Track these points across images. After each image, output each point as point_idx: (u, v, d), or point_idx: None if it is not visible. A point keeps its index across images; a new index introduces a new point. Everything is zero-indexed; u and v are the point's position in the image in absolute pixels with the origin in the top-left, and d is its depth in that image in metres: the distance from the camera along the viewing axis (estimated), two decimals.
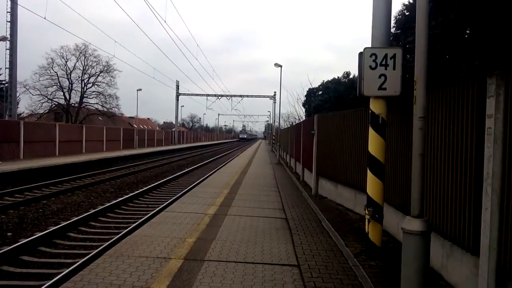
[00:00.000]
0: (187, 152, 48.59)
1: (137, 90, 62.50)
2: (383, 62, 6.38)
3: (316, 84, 46.00)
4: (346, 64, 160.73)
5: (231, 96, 64.48)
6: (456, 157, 5.17)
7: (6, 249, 7.66)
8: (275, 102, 59.48)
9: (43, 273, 6.91)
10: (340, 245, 7.21)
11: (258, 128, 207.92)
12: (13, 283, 6.48)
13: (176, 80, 62.05)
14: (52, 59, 57.62)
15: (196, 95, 64.19)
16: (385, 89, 6.39)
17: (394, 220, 7.68)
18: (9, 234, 9.26)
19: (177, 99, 64.18)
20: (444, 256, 5.64)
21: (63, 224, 9.82)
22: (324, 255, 6.58)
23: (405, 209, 6.60)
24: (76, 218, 10.45)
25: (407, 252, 4.08)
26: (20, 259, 7.53)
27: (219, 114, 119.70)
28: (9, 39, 27.93)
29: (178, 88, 63.54)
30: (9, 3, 27.65)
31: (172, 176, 20.97)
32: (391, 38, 7.85)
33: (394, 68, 6.36)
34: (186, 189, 15.69)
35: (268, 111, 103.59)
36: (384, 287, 5.26)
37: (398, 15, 16.22)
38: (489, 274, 4.21)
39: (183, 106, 59.44)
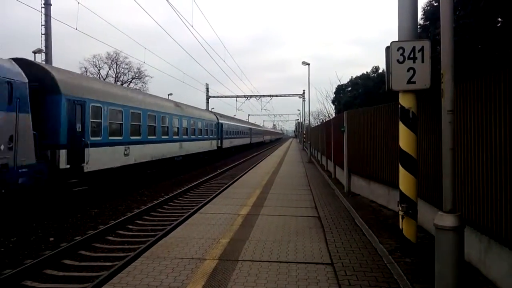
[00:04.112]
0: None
1: (168, 95, 63.45)
2: (411, 56, 6.29)
3: (344, 80, 45.59)
4: (375, 58, 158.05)
5: (260, 96, 64.41)
6: (491, 149, 5.03)
7: (49, 253, 7.99)
8: (304, 100, 59.07)
9: (83, 276, 7.18)
10: (374, 242, 7.14)
11: (289, 127, 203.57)
12: (56, 286, 6.77)
13: (206, 83, 62.49)
14: (85, 68, 59.47)
15: (226, 96, 64.50)
16: (414, 82, 6.29)
17: (429, 215, 7.53)
18: (51, 239, 9.63)
19: (207, 102, 64.78)
20: (482, 251, 5.51)
21: (102, 228, 10.14)
22: (358, 252, 6.53)
23: (440, 204, 6.48)
24: (114, 222, 10.77)
25: (440, 248, 4.02)
26: (62, 263, 7.85)
27: (249, 115, 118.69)
28: (44, 51, 28.91)
29: (208, 91, 64.12)
30: (43, 16, 28.63)
31: (205, 178, 21.23)
32: (419, 30, 7.71)
33: (422, 61, 6.25)
34: (219, 190, 15.86)
35: (298, 110, 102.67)
36: (420, 284, 5.19)
37: (426, 6, 15.88)
38: None
39: (213, 108, 59.87)
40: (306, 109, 59.61)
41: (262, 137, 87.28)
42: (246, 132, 59.12)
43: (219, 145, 36.96)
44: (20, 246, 8.96)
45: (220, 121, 37.90)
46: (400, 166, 6.58)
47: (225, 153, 40.49)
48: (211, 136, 33.57)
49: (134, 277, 5.42)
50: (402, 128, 6.51)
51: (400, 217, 6.49)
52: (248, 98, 63.79)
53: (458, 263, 3.93)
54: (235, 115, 67.26)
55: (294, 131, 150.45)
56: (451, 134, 4.08)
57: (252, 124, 76.39)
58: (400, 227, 6.52)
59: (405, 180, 6.47)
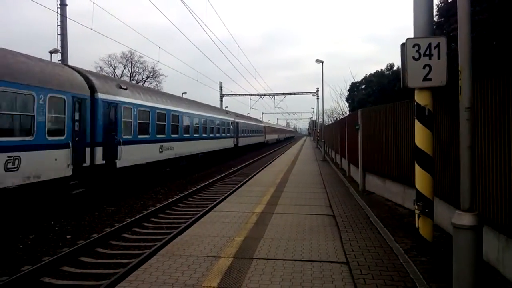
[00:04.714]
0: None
1: (182, 94, 63.82)
2: (427, 52, 6.22)
3: (359, 78, 45.21)
4: (389, 56, 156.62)
5: (274, 94, 64.40)
6: (509, 146, 4.96)
7: (67, 250, 8.12)
8: (318, 98, 58.95)
9: (100, 273, 7.28)
10: (389, 241, 7.09)
11: (302, 125, 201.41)
12: (74, 283, 6.87)
13: (220, 82, 62.64)
14: (100, 67, 60.16)
15: (239, 95, 64.68)
16: (430, 79, 6.22)
17: (445, 214, 7.46)
18: (68, 236, 9.77)
19: (221, 100, 65.02)
20: (500, 251, 5.43)
21: (118, 225, 10.26)
22: (374, 251, 6.50)
23: (457, 203, 6.42)
24: (130, 220, 10.88)
25: (458, 248, 3.97)
26: (79, 260, 7.96)
27: (262, 113, 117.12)
28: (60, 51, 29.28)
29: (221, 89, 64.34)
30: (59, 17, 29.01)
31: (220, 176, 21.31)
32: (434, 27, 7.63)
33: (439, 58, 6.17)
34: (233, 189, 15.91)
35: (312, 108, 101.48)
36: (437, 283, 5.14)
37: (441, 2, 15.69)
38: None
39: (227, 106, 59.09)
40: (320, 107, 59.37)
41: (262, 136, 60.92)
42: (221, 129, 32.24)
43: (94, 160, 13.43)
44: (38, 243, 9.12)
45: (109, 98, 14.57)
46: (416, 164, 6.51)
47: (124, 184, 15.82)
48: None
49: (150, 274, 5.47)
50: (418, 125, 6.45)
51: (416, 215, 6.43)
52: (262, 96, 63.85)
53: (476, 263, 3.87)
54: (248, 113, 65.00)
55: (308, 129, 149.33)
56: (469, 132, 4.02)
57: (238, 115, 43.40)
58: (416, 226, 6.45)
59: (421, 178, 6.40)
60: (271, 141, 76.11)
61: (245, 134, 44.62)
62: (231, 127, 36.50)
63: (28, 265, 7.51)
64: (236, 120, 39.81)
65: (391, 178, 11.10)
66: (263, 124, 65.83)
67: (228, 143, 34.90)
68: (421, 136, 6.41)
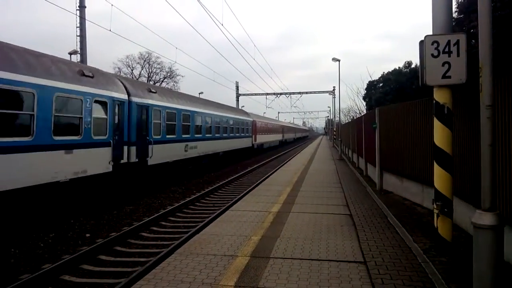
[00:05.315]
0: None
1: (199, 94, 64.12)
2: (446, 50, 6.13)
3: (376, 76, 44.77)
4: (407, 53, 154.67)
5: (290, 93, 64.12)
6: None
7: (86, 249, 8.24)
8: (334, 97, 58.53)
9: (119, 271, 7.37)
10: (408, 240, 7.01)
11: (319, 124, 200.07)
12: (92, 280, 6.97)
13: (236, 81, 62.67)
14: (119, 68, 60.83)
15: (255, 94, 64.58)
16: (449, 77, 6.13)
17: (465, 214, 7.34)
18: (87, 235, 9.92)
19: (237, 100, 65.13)
20: None
21: (136, 224, 10.37)
22: (391, 251, 6.43)
23: (476, 202, 6.30)
24: (148, 219, 10.98)
25: (478, 248, 3.90)
26: (98, 259, 8.07)
27: (278, 112, 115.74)
28: (79, 52, 29.72)
29: (237, 89, 64.43)
30: (78, 18, 29.44)
31: (236, 176, 21.36)
32: (453, 24, 7.51)
33: (458, 55, 6.08)
34: (250, 188, 15.93)
35: (328, 107, 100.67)
36: (456, 284, 5.06)
37: None
38: None
39: (243, 106, 58.38)
40: (337, 106, 58.90)
41: (247, 138, 37.09)
42: (42, 120, 9.94)
43: None
44: (58, 241, 9.27)
45: None
46: (435, 163, 6.42)
47: None
48: None
49: (168, 273, 5.52)
50: (436, 124, 6.36)
51: (435, 215, 6.34)
52: (278, 95, 63.66)
53: (496, 263, 3.80)
54: (264, 113, 64.28)
55: (324, 128, 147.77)
56: (490, 130, 3.94)
57: (164, 90, 21.83)
58: (435, 226, 6.37)
59: (440, 177, 6.31)
60: (267, 144, 49.55)
61: (182, 137, 20.18)
62: (105, 115, 13.19)
63: (48, 263, 7.65)
64: (143, 101, 15.81)
65: (409, 177, 10.98)
66: (250, 118, 39.30)
67: (80, 163, 11.83)
68: (440, 134, 6.32)
